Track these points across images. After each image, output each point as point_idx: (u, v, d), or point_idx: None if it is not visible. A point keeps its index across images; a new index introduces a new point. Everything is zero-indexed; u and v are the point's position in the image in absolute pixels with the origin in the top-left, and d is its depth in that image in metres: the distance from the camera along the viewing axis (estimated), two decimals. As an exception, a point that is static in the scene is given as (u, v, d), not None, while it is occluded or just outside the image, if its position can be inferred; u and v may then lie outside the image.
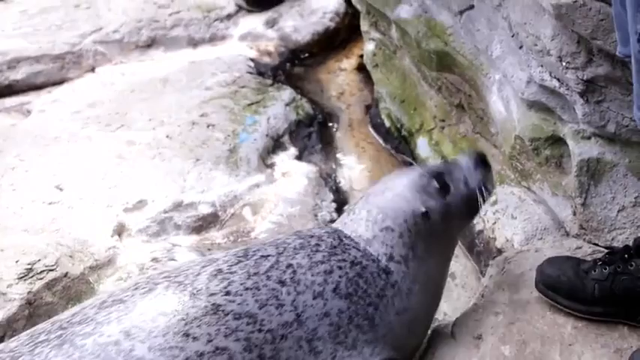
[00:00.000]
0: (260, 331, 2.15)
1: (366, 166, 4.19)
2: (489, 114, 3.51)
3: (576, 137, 2.89)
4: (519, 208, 3.21)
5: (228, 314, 2.14)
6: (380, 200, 2.46)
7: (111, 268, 3.24)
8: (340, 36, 5.26)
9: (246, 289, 2.20)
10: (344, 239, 2.42)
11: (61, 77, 4.79)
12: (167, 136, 4.05)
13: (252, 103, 4.41)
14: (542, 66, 2.90)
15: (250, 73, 4.76)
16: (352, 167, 4.18)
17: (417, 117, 4.10)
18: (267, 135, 4.18)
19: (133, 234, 3.45)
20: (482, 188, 2.56)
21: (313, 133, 4.37)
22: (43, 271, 3.02)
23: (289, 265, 2.28)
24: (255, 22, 5.26)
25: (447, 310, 3.07)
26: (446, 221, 2.48)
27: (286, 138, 4.26)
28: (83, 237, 3.31)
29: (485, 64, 3.45)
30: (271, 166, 4.04)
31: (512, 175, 3.38)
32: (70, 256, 3.16)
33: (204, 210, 3.61)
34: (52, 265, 3.05)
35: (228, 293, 2.18)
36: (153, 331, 2.10)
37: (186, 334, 2.09)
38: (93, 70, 4.88)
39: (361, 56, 4.86)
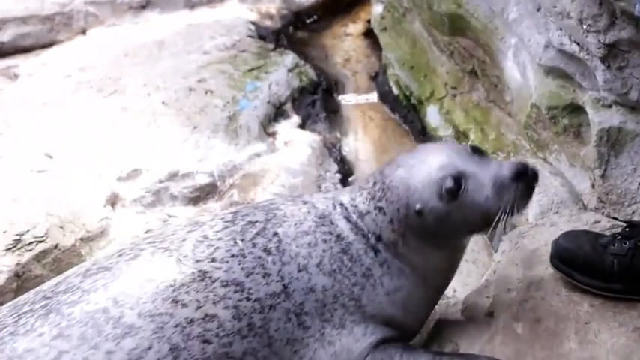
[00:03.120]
0: (248, 299, 2.20)
1: (372, 135, 4.20)
2: (504, 81, 3.50)
3: (596, 105, 2.88)
4: (535, 181, 3.21)
5: (215, 281, 2.19)
6: (389, 176, 2.37)
7: (103, 240, 3.25)
8: (347, -2, 5.24)
9: (232, 255, 2.24)
10: (338, 208, 2.40)
11: (51, 39, 4.78)
12: (163, 103, 4.05)
13: (252, 69, 4.40)
14: (561, 29, 2.89)
15: (251, 36, 4.75)
16: (358, 137, 4.19)
17: (428, 84, 4.10)
18: (268, 102, 4.17)
19: (127, 204, 3.46)
20: (509, 209, 2.29)
21: (317, 100, 4.37)
22: (32, 242, 3.03)
23: (275, 234, 2.31)
24: (255, -17, 5.23)
25: (457, 286, 3.08)
26: (443, 226, 2.33)
27: (289, 105, 4.26)
28: (74, 207, 3.31)
29: (500, 28, 3.43)
30: (273, 134, 4.04)
31: (527, 146, 3.37)
32: (61, 227, 3.17)
33: (202, 180, 3.61)
34: (42, 236, 3.06)
35: (214, 260, 2.22)
36: (141, 297, 2.14)
37: (175, 301, 2.14)
38: (84, 32, 4.86)
39: (368, 21, 4.85)
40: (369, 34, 4.89)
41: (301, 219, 2.36)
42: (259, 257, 2.25)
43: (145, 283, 2.16)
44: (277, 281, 2.24)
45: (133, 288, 2.16)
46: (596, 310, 2.53)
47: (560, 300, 2.59)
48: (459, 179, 2.28)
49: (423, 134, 4.01)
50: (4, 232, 3.04)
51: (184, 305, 2.14)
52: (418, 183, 2.30)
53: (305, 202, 2.43)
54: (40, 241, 3.05)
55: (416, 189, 2.30)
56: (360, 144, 4.13)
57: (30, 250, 3.01)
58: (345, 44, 4.95)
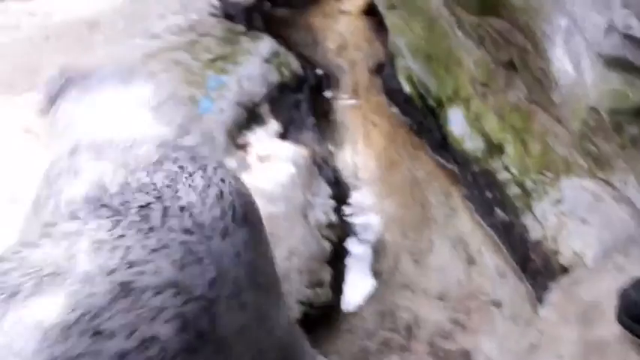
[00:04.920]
0: (189, 301, 2.22)
1: (376, 148, 4.21)
2: (551, 76, 3.50)
3: (676, 109, 2.89)
4: (593, 210, 3.21)
5: (145, 291, 2.18)
6: None
7: None
8: (342, -36, 5.26)
9: (154, 250, 2.26)
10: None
11: (-58, 15, 4.77)
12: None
13: (216, 59, 4.41)
14: (627, 7, 2.89)
15: (214, 15, 4.75)
16: (357, 150, 4.20)
17: (450, 80, 4.11)
18: (238, 103, 4.17)
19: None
20: None
21: (303, 101, 4.39)
22: None
23: (182, 208, 2.37)
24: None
25: (492, 350, 3.08)
26: None
27: (265, 108, 4.25)
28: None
29: (546, 5, 3.44)
30: (244, 146, 4.03)
31: (583, 163, 3.38)
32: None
33: (149, 206, 3.60)
34: None
35: (131, 264, 2.22)
36: (44, 342, 2.07)
37: (97, 332, 2.10)
38: (-10, 6, 4.85)
39: (371, -7, 4.87)
40: (371, 11, 4.91)
41: (188, 181, 2.46)
42: (184, 242, 2.30)
43: (39, 324, 2.10)
44: (210, 264, 2.31)
45: (21, 338, 2.08)
46: (679, 387, 2.53)
47: (630, 371, 2.59)
48: None
49: (443, 146, 4.02)
50: None
51: (112, 335, 2.12)
52: None
53: (176, 160, 2.53)
54: None
55: None
56: (360, 159, 4.15)
57: None
58: (339, 25, 4.97)
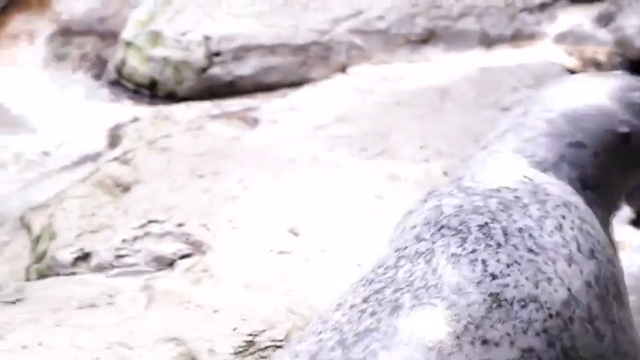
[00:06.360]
0: (550, 317, 2.33)
1: None
2: None
3: None
4: None
5: (512, 303, 2.31)
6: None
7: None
8: None
9: (508, 265, 2.38)
10: (534, 179, 2.60)
11: (301, 76, 5.00)
12: (444, 173, 4.07)
13: (570, 136, 4.36)
14: None
15: (570, 89, 4.72)
16: None
17: None
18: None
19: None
20: None
21: (659, 188, 4.25)
22: (269, 346, 3.13)
23: (520, 230, 2.46)
24: (580, 16, 5.23)
25: None
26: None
27: (618, 192, 4.18)
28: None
29: None
30: (594, 231, 3.97)
31: None
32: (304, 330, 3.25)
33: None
34: (282, 340, 3.15)
35: (494, 277, 2.34)
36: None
37: (485, 341, 2.24)
38: (344, 69, 5.04)
39: None
40: None
41: (520, 205, 2.54)
42: (531, 260, 2.40)
43: (431, 333, 2.26)
44: (561, 285, 2.39)
45: (419, 349, 2.24)
46: None
47: None
48: None
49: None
50: (234, 329, 3.18)
51: (498, 345, 2.25)
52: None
53: (498, 189, 2.61)
54: (279, 346, 3.14)
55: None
56: None
57: (264, 358, 3.10)
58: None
